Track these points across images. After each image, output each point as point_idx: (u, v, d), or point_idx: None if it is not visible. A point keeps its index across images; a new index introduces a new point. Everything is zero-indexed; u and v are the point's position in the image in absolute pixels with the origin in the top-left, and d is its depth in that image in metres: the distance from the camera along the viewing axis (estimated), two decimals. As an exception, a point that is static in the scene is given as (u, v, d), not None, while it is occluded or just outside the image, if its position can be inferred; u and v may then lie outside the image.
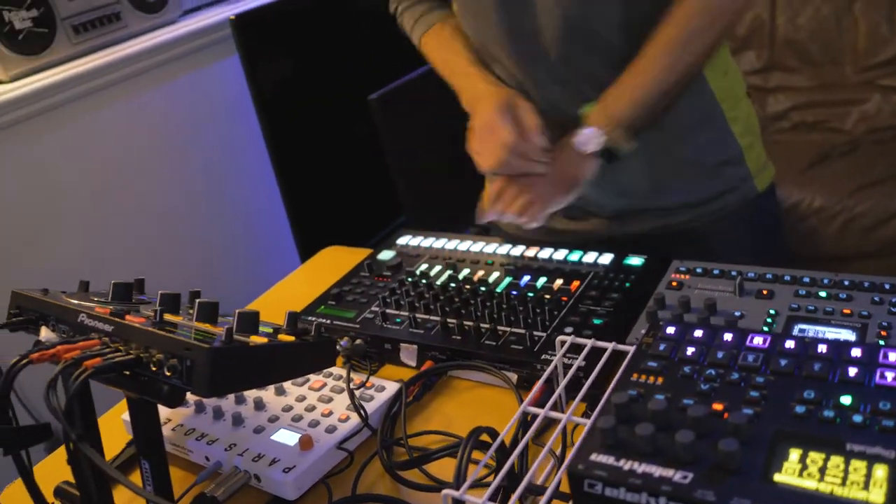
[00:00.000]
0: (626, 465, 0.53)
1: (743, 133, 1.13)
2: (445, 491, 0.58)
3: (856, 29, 2.45)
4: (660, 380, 0.61)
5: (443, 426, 0.84)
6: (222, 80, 1.89)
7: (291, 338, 0.73)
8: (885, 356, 0.58)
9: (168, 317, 0.73)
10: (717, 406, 0.56)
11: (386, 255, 1.15)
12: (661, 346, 0.64)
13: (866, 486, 0.49)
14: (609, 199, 1.14)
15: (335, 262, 1.27)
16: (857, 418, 0.53)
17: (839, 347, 0.60)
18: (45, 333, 0.78)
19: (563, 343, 0.75)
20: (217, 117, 1.93)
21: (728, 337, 0.64)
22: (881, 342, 0.74)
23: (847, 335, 0.76)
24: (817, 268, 0.90)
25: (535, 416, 0.67)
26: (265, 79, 1.72)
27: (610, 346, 0.71)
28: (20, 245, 1.60)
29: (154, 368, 0.66)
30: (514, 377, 0.86)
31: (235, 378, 0.66)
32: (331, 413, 0.85)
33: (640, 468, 0.52)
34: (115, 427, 0.91)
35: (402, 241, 1.18)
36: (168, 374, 0.65)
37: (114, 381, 0.69)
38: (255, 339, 0.69)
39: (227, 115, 1.93)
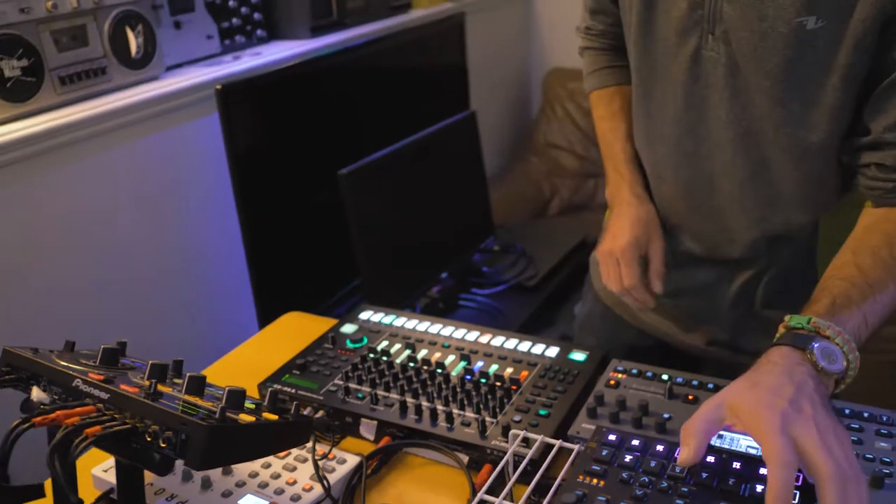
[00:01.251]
0: (570, 559, 0.62)
1: None
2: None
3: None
4: (602, 483, 0.71)
5: (395, 500, 0.92)
6: (200, 139, 1.95)
7: (275, 416, 0.81)
8: (787, 477, 0.70)
9: (158, 387, 0.79)
10: (648, 511, 0.67)
11: (349, 328, 1.23)
12: (604, 452, 0.74)
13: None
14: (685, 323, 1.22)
15: (296, 328, 1.34)
16: (762, 531, 0.64)
17: (751, 465, 0.71)
18: (37, 394, 0.83)
19: (515, 437, 0.84)
20: (191, 175, 1.98)
21: (660, 448, 0.74)
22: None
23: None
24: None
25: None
26: (243, 144, 1.79)
27: (557, 443, 0.81)
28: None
29: (149, 439, 0.72)
30: (465, 458, 0.95)
31: (225, 454, 0.73)
32: (295, 482, 0.92)
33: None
34: (84, 479, 0.95)
35: (363, 315, 1.26)
36: (163, 445, 0.71)
37: (107, 447, 0.75)
38: (244, 418, 0.76)
39: (202, 174, 1.99)
